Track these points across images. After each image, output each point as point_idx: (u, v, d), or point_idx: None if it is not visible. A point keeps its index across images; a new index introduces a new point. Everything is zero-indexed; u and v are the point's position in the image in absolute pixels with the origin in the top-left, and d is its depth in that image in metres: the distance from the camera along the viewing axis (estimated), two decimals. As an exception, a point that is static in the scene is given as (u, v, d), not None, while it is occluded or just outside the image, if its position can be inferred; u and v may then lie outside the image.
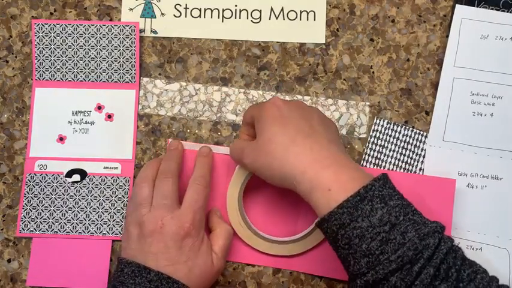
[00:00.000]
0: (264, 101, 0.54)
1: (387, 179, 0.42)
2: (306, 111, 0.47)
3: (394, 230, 0.39)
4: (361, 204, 0.40)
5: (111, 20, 0.57)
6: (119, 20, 0.57)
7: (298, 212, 0.53)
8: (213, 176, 0.53)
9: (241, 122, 0.55)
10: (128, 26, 0.56)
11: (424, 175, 0.54)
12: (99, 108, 0.55)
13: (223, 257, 0.49)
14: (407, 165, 0.54)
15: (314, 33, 0.57)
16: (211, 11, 0.57)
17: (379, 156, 0.54)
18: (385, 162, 0.54)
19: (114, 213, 0.54)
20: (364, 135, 0.55)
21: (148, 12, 0.57)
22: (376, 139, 0.55)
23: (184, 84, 0.56)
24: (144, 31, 0.57)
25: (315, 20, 0.57)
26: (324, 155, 0.43)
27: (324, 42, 0.57)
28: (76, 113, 0.55)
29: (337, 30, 0.57)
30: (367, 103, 0.56)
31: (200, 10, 0.57)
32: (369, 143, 0.55)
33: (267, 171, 0.45)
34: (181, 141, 0.54)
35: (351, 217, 0.40)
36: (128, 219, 0.48)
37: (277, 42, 0.57)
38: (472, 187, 0.54)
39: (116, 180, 0.54)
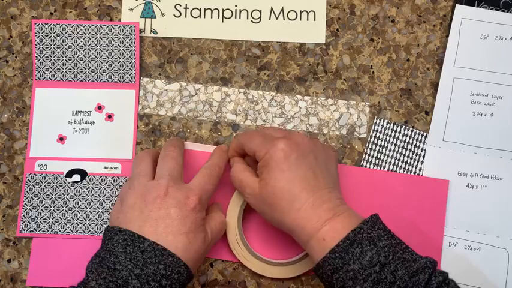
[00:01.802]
0: (266, 127, 0.54)
1: (376, 219, 0.43)
2: (312, 155, 0.46)
3: (384, 270, 0.40)
4: (351, 247, 0.41)
5: (111, 20, 0.57)
6: (119, 20, 0.57)
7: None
8: None
9: (241, 122, 0.55)
10: (128, 26, 0.56)
11: (418, 176, 0.54)
12: (99, 108, 0.56)
13: (212, 239, 0.47)
14: (407, 165, 0.54)
15: (314, 33, 0.57)
16: (211, 11, 0.57)
17: (379, 156, 0.54)
18: (385, 162, 0.54)
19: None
20: (364, 135, 0.55)
21: (148, 12, 0.57)
22: (376, 139, 0.55)
23: (184, 84, 0.56)
24: (144, 31, 0.57)
25: (315, 20, 0.57)
26: (323, 209, 0.44)
27: (324, 42, 0.57)
28: (76, 113, 0.55)
29: (337, 30, 0.57)
30: (367, 103, 0.56)
31: (200, 10, 0.57)
32: (368, 143, 0.55)
33: (267, 216, 0.47)
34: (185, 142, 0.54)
35: (343, 261, 0.41)
36: (124, 189, 0.46)
37: (277, 42, 0.57)
38: (472, 187, 0.54)
39: (116, 180, 0.54)
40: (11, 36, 0.57)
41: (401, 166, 0.54)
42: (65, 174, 0.54)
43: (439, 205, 0.53)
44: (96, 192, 0.54)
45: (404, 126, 0.55)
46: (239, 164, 0.50)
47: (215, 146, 0.53)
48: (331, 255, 0.41)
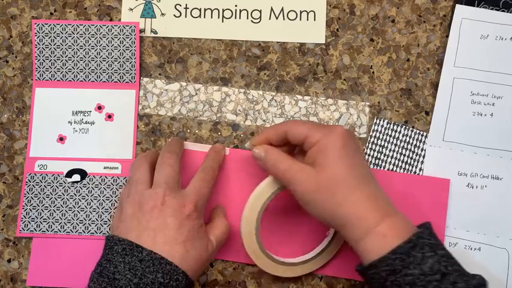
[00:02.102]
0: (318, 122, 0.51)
1: (432, 228, 0.43)
2: (361, 152, 0.47)
3: (444, 280, 0.39)
4: (413, 251, 0.40)
5: (111, 20, 0.57)
6: (119, 20, 0.57)
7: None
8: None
9: (241, 122, 0.55)
10: (128, 26, 0.56)
11: (419, 175, 0.54)
12: (99, 108, 0.56)
13: (216, 247, 0.47)
14: (407, 165, 0.54)
15: (314, 33, 0.57)
16: (211, 11, 0.57)
17: (379, 156, 0.54)
18: (385, 162, 0.54)
19: (115, 213, 0.54)
20: (364, 135, 0.55)
21: (148, 12, 0.57)
22: (376, 139, 0.55)
23: (184, 84, 0.56)
24: (144, 31, 0.57)
25: (315, 20, 0.57)
26: (381, 203, 0.43)
27: (324, 42, 0.57)
28: (76, 113, 0.55)
29: (337, 30, 0.57)
30: (367, 103, 0.56)
31: (200, 10, 0.57)
32: (369, 143, 0.55)
33: (319, 208, 0.44)
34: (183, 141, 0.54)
35: (403, 263, 0.40)
36: (123, 198, 0.46)
37: (277, 42, 0.57)
38: (472, 187, 0.54)
39: (116, 180, 0.54)
40: (11, 36, 0.57)
41: (401, 166, 0.54)
42: (65, 174, 0.54)
43: (440, 204, 0.53)
44: (96, 192, 0.54)
45: (404, 126, 0.55)
46: (276, 151, 0.47)
47: (226, 148, 0.53)
48: (391, 255, 0.40)
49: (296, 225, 0.53)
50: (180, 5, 0.57)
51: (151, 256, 0.42)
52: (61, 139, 0.55)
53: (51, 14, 0.57)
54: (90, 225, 0.54)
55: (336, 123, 0.55)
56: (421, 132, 0.55)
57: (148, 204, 0.44)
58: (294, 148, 0.49)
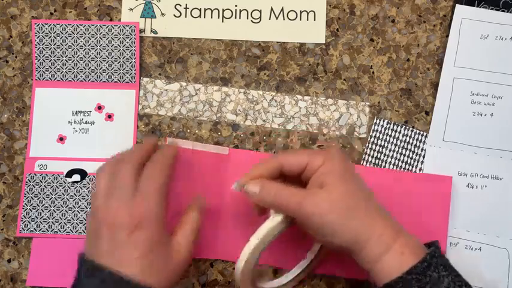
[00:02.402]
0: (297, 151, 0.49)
1: (440, 246, 0.43)
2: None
3: None
4: (428, 270, 0.40)
5: (111, 20, 0.57)
6: (119, 20, 0.57)
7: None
8: (205, 176, 0.52)
9: (241, 122, 0.55)
10: (128, 26, 0.56)
11: (421, 173, 0.54)
12: (99, 108, 0.56)
13: (187, 245, 0.43)
14: (407, 165, 0.54)
15: (314, 33, 0.57)
16: (211, 11, 0.57)
17: (379, 156, 0.54)
18: (385, 162, 0.54)
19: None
20: (364, 135, 0.55)
21: (148, 12, 0.57)
22: (376, 139, 0.55)
23: (184, 84, 0.56)
24: (144, 31, 0.57)
25: (315, 20, 0.57)
26: (393, 222, 0.43)
27: (324, 42, 0.57)
28: (76, 113, 0.55)
29: (337, 30, 0.57)
30: (367, 103, 0.56)
31: (200, 10, 0.57)
32: (369, 143, 0.55)
33: (338, 229, 0.41)
34: (180, 140, 0.54)
35: (419, 284, 0.39)
36: (88, 212, 0.45)
37: (277, 42, 0.57)
38: (472, 187, 0.54)
39: (116, 180, 0.54)
40: (11, 36, 0.57)
41: (401, 166, 0.54)
42: (65, 174, 0.54)
43: (442, 202, 0.53)
44: (96, 192, 0.54)
45: (404, 126, 0.55)
46: (273, 182, 0.45)
47: (216, 146, 0.53)
48: (407, 276, 0.39)
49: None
50: (180, 5, 0.57)
51: (111, 276, 0.39)
52: (61, 139, 0.55)
53: (51, 14, 0.57)
54: (90, 225, 0.54)
55: (336, 123, 0.55)
56: (421, 132, 0.55)
57: (100, 220, 0.41)
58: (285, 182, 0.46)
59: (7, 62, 0.57)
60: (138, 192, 0.42)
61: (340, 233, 0.41)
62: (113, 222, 0.40)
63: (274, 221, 0.44)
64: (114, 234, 0.40)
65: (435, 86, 0.56)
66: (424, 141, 0.55)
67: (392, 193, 0.53)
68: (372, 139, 0.55)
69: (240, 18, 0.57)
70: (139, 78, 0.56)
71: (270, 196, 0.44)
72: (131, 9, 0.57)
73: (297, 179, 0.45)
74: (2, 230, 0.54)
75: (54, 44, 0.56)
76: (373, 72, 0.56)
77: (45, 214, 0.54)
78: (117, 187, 0.42)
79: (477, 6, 0.56)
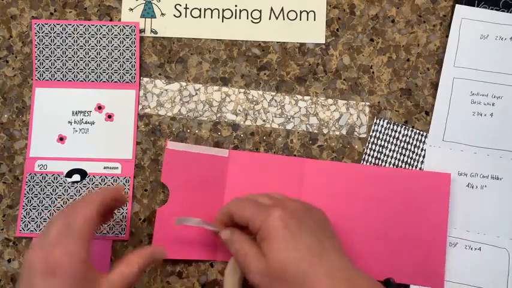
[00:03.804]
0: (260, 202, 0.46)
1: (393, 284, 0.42)
2: (310, 219, 0.44)
3: None
4: None
5: (111, 20, 0.57)
6: (119, 20, 0.57)
7: None
8: (205, 178, 0.53)
9: (241, 122, 0.55)
10: (128, 26, 0.56)
11: (419, 170, 0.54)
12: (99, 108, 0.56)
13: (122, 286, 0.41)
14: (407, 165, 0.54)
15: (314, 33, 0.57)
16: (211, 11, 0.57)
17: (379, 156, 0.55)
18: (385, 162, 0.54)
19: (115, 213, 0.54)
20: (364, 135, 0.55)
21: (148, 12, 0.57)
22: (376, 139, 0.55)
23: (184, 84, 0.56)
24: (144, 31, 0.57)
25: (315, 20, 0.57)
26: (339, 278, 0.41)
27: (324, 42, 0.57)
28: (76, 113, 0.55)
29: (337, 30, 0.57)
30: (367, 103, 0.56)
31: (200, 10, 0.57)
32: (368, 143, 0.55)
33: None
34: (179, 143, 0.54)
35: None
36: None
37: (277, 42, 0.57)
38: (472, 187, 0.54)
39: (116, 180, 0.54)
40: (11, 36, 0.57)
41: (401, 166, 0.54)
42: (65, 174, 0.54)
43: (441, 199, 0.53)
44: (96, 192, 0.54)
45: (404, 126, 0.55)
46: (239, 234, 0.45)
47: (216, 148, 0.54)
48: None
49: None
50: (180, 5, 0.57)
51: None
52: (61, 139, 0.55)
53: (51, 14, 0.57)
54: (90, 225, 0.54)
55: (336, 123, 0.55)
56: (421, 132, 0.55)
57: (24, 262, 0.40)
58: None
59: (7, 62, 0.57)
60: (59, 233, 0.40)
61: None
62: (29, 266, 0.39)
63: (230, 264, 0.47)
64: (30, 279, 0.38)
65: (435, 86, 0.56)
66: (424, 141, 0.55)
67: (391, 191, 0.53)
68: (372, 139, 0.55)
69: (240, 18, 0.57)
70: (139, 78, 0.56)
71: (234, 246, 0.45)
72: (131, 9, 0.57)
73: None
74: (2, 230, 0.54)
75: (54, 44, 0.56)
76: (373, 72, 0.56)
77: (45, 214, 0.54)
78: (45, 231, 0.41)
79: (477, 6, 0.56)
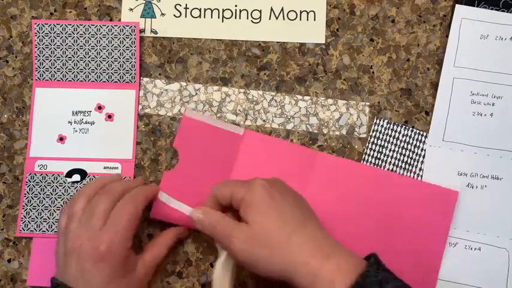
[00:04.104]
0: (247, 183, 0.47)
1: (379, 260, 0.42)
2: (291, 193, 0.46)
3: None
4: None
5: (111, 20, 0.57)
6: (119, 20, 0.57)
7: None
8: (216, 153, 0.53)
9: (241, 122, 0.55)
10: (128, 26, 0.56)
11: (429, 183, 0.53)
12: (99, 108, 0.56)
13: (146, 273, 0.47)
14: (407, 165, 0.54)
15: (314, 33, 0.57)
16: (211, 11, 0.57)
17: (379, 156, 0.54)
18: (385, 162, 0.54)
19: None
20: (364, 135, 0.55)
21: (148, 12, 0.57)
22: (376, 139, 0.55)
23: (184, 84, 0.56)
24: (144, 31, 0.57)
25: (315, 20, 0.57)
26: (323, 244, 0.42)
27: (324, 42, 0.57)
28: (76, 113, 0.55)
29: (337, 30, 0.57)
30: (367, 103, 0.56)
31: (200, 10, 0.57)
32: (368, 143, 0.55)
33: (264, 264, 0.42)
34: (199, 113, 0.54)
35: None
36: (58, 231, 0.47)
37: (277, 42, 0.57)
38: (472, 187, 0.54)
39: (116, 180, 0.54)
40: (11, 36, 0.57)
41: (401, 166, 0.54)
42: (65, 174, 0.54)
43: (445, 214, 0.52)
44: (96, 192, 0.54)
45: (404, 126, 0.55)
46: (214, 212, 0.46)
47: (232, 125, 0.54)
48: None
49: None
50: (180, 5, 0.57)
51: None
52: (61, 139, 0.55)
53: (51, 14, 0.57)
54: (90, 225, 0.54)
55: (336, 123, 0.55)
56: (421, 132, 0.55)
57: (69, 245, 0.44)
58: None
59: (7, 62, 0.57)
60: (107, 224, 0.44)
61: (269, 270, 0.42)
62: (79, 251, 0.44)
63: (222, 257, 0.46)
64: (81, 263, 0.43)
65: (435, 86, 0.56)
66: (424, 141, 0.55)
67: (397, 197, 0.53)
68: (372, 139, 0.55)
69: (240, 18, 0.57)
70: (139, 78, 0.56)
71: (208, 224, 0.46)
72: (131, 9, 0.57)
73: None
74: (2, 230, 0.54)
75: (54, 44, 0.56)
76: (373, 72, 0.56)
77: (45, 214, 0.54)
78: (90, 216, 0.45)
79: (477, 6, 0.56)
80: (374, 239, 0.52)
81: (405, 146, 0.55)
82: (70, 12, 0.57)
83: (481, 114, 0.55)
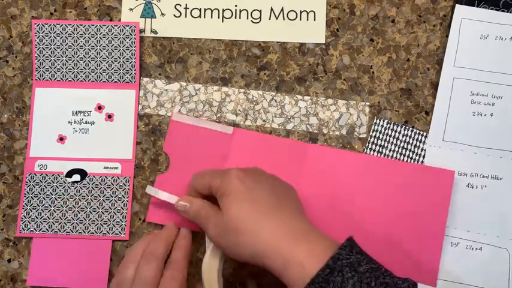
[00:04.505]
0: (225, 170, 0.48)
1: (353, 243, 0.42)
2: (269, 180, 0.46)
3: None
4: (331, 276, 0.39)
5: (111, 20, 0.57)
6: (119, 20, 0.57)
7: None
8: (207, 154, 0.53)
9: (241, 122, 0.55)
10: (128, 26, 0.56)
11: (423, 165, 0.54)
12: (99, 108, 0.56)
13: None
14: (407, 165, 0.54)
15: (314, 33, 0.57)
16: (211, 11, 0.57)
17: (379, 156, 0.54)
18: (385, 162, 0.54)
19: (114, 213, 0.54)
20: (364, 135, 0.55)
21: (148, 12, 0.57)
22: (376, 139, 0.55)
23: (184, 84, 0.56)
24: (144, 31, 0.57)
25: (315, 20, 0.57)
26: (295, 228, 0.42)
27: (324, 42, 0.57)
28: (76, 113, 0.55)
29: (337, 30, 0.57)
30: (367, 103, 0.56)
31: (200, 10, 0.57)
32: (368, 143, 0.55)
33: (236, 249, 0.43)
34: (185, 115, 0.54)
35: None
36: None
37: (277, 42, 0.57)
38: (472, 187, 0.54)
39: (116, 180, 0.54)
40: (11, 36, 0.57)
41: (401, 166, 0.54)
42: (65, 174, 0.54)
43: (443, 196, 0.53)
44: (96, 192, 0.54)
45: (404, 126, 0.55)
46: (199, 200, 0.48)
47: (221, 124, 0.54)
48: (310, 286, 0.39)
49: None
50: (180, 5, 0.57)
51: None
52: (61, 139, 0.55)
53: (51, 14, 0.57)
54: (90, 225, 0.54)
55: (336, 123, 0.55)
56: (421, 132, 0.55)
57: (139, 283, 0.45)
58: None
59: (7, 62, 0.57)
60: None
61: (238, 254, 0.43)
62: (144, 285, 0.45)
63: (209, 248, 0.47)
64: None
65: (435, 86, 0.56)
66: (424, 141, 0.55)
67: (392, 183, 0.53)
68: (372, 139, 0.55)
69: (240, 18, 0.57)
70: (139, 78, 0.56)
71: (193, 211, 0.48)
72: (131, 9, 0.57)
73: None
74: (2, 230, 0.54)
75: (54, 44, 0.56)
76: (373, 72, 0.56)
77: (45, 214, 0.54)
78: (142, 284, 0.45)
79: (477, 6, 0.56)
80: (372, 227, 0.52)
81: (405, 146, 0.55)
82: (70, 12, 0.57)
83: (481, 114, 0.55)
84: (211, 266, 0.47)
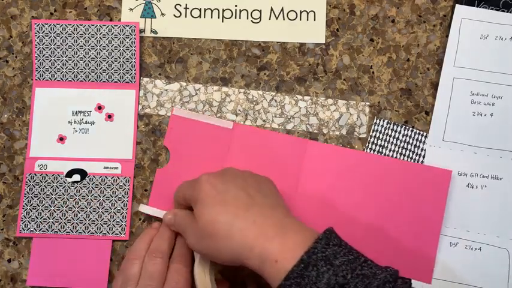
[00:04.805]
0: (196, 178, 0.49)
1: (331, 234, 0.41)
2: (240, 178, 0.46)
3: None
4: (306, 271, 0.38)
5: (111, 20, 0.57)
6: (119, 20, 0.57)
7: None
8: (207, 149, 0.54)
9: (241, 122, 0.55)
10: (128, 26, 0.56)
11: (421, 164, 0.54)
12: (99, 108, 0.56)
13: None
14: (407, 165, 0.54)
15: (314, 33, 0.57)
16: (211, 11, 0.57)
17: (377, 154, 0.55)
18: (385, 162, 0.54)
19: (114, 213, 0.54)
20: (364, 135, 0.55)
21: (148, 12, 0.57)
22: (376, 139, 0.55)
23: (184, 84, 0.56)
24: (144, 31, 0.57)
25: (315, 20, 0.57)
26: (268, 225, 0.42)
27: (324, 42, 0.57)
28: (76, 113, 0.55)
29: (337, 30, 0.57)
30: (367, 103, 0.56)
31: (200, 10, 0.57)
32: (368, 143, 0.55)
33: (216, 254, 0.44)
34: (186, 110, 0.54)
35: (299, 287, 0.38)
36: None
37: (277, 42, 0.57)
38: (472, 187, 0.54)
39: (116, 180, 0.54)
40: (11, 36, 0.57)
41: (401, 166, 0.54)
42: (65, 174, 0.54)
43: (439, 195, 0.53)
44: (96, 192, 0.54)
45: (404, 126, 0.55)
46: (183, 212, 0.49)
47: (221, 119, 0.54)
48: (286, 282, 0.39)
49: None
50: (180, 5, 0.57)
51: None
52: (61, 139, 0.55)
53: (51, 14, 0.57)
54: (90, 225, 0.54)
55: (336, 123, 0.55)
56: (421, 132, 0.55)
57: None
58: None
59: (7, 62, 0.57)
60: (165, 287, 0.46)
61: (219, 258, 0.44)
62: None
63: (197, 255, 0.48)
64: None
65: (435, 86, 0.56)
66: (424, 141, 0.55)
67: (390, 181, 0.53)
68: (372, 139, 0.55)
69: (240, 18, 0.57)
70: (139, 78, 0.56)
71: (177, 223, 0.49)
72: (131, 9, 0.57)
73: None
74: (2, 230, 0.54)
75: (54, 44, 0.56)
76: (373, 72, 0.56)
77: (45, 214, 0.54)
78: (148, 280, 0.46)
79: (477, 6, 0.56)
80: (369, 224, 0.52)
81: (405, 146, 0.55)
82: (70, 12, 0.57)
83: (481, 114, 0.55)
84: (201, 273, 0.47)
